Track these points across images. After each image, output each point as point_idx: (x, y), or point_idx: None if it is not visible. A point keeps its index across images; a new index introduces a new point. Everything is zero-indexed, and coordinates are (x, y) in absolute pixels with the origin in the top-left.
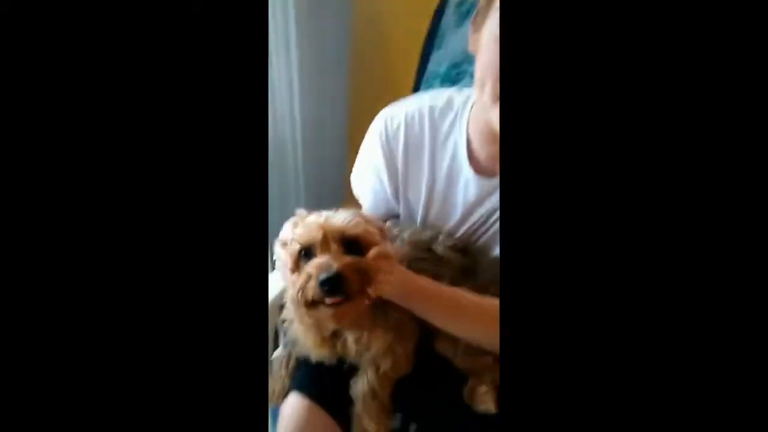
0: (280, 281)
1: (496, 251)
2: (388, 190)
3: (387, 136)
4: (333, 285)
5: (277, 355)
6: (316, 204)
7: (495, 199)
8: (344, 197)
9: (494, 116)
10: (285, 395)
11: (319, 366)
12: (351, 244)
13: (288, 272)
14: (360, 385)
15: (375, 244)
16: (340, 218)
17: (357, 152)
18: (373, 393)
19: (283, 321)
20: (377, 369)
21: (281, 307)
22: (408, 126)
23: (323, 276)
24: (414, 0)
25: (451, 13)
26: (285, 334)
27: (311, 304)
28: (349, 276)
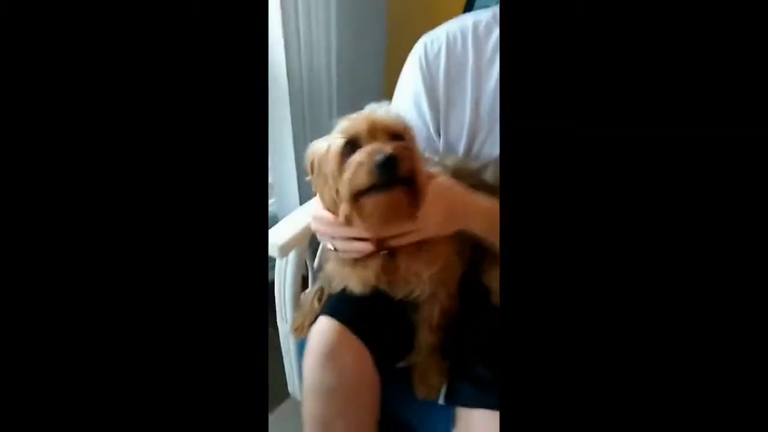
0: (303, 218)
1: None
2: (429, 120)
3: (427, 60)
4: (390, 166)
5: (308, 291)
6: None
7: None
8: None
9: None
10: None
11: (350, 295)
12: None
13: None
14: (418, 347)
15: (416, 144)
16: (384, 112)
17: (394, 90)
18: (432, 349)
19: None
20: (431, 326)
21: (311, 244)
22: (450, 47)
23: (380, 157)
24: None
25: None
26: (316, 274)
27: (356, 197)
28: (404, 159)
